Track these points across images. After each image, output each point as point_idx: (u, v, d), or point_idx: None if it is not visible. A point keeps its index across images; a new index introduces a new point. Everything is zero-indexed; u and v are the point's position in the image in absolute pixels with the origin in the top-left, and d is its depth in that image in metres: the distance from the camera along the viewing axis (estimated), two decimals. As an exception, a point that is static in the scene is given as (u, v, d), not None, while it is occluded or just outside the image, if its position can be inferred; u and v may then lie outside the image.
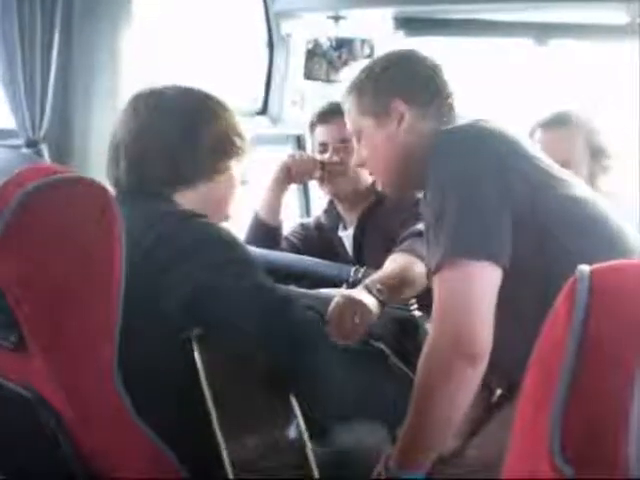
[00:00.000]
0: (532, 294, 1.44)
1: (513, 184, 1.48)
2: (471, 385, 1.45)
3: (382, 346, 1.90)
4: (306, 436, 1.43)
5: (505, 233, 1.45)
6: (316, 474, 1.41)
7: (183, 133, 1.56)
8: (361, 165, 1.79)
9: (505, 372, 1.55)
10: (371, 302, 1.89)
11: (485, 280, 1.44)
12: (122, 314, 1.31)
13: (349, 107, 1.74)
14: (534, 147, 1.61)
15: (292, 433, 1.43)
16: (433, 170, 1.53)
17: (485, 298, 1.43)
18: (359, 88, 1.71)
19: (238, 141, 1.63)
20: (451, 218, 1.45)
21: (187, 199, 1.57)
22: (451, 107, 1.69)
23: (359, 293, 1.91)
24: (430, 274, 1.52)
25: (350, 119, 1.74)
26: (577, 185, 1.58)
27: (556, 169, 1.59)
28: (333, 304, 1.84)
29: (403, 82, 1.68)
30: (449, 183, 1.49)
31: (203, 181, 1.58)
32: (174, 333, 1.38)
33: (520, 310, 1.45)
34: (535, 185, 1.50)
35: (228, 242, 1.47)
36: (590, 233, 1.51)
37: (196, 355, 1.35)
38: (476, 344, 1.41)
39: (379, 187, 1.80)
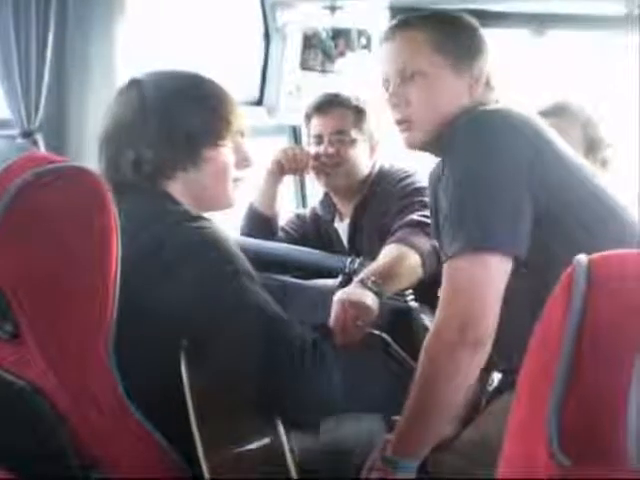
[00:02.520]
0: (535, 283, 1.45)
1: (538, 174, 1.48)
2: (473, 370, 1.47)
3: (383, 335, 1.90)
4: (289, 455, 1.41)
5: (524, 223, 1.46)
6: None
7: (159, 121, 1.52)
8: (396, 105, 1.65)
9: (504, 357, 1.56)
10: (370, 299, 1.89)
11: (496, 270, 1.45)
12: (122, 309, 1.30)
13: (419, 43, 1.62)
14: (553, 133, 1.60)
15: (275, 445, 1.41)
16: (457, 151, 1.51)
17: (495, 287, 1.45)
18: (444, 31, 1.63)
19: (223, 126, 1.56)
20: (471, 206, 1.46)
21: (179, 189, 1.54)
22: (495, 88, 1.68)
23: (357, 291, 1.90)
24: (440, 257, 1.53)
25: (418, 55, 1.62)
26: (595, 175, 1.59)
27: (576, 157, 1.59)
28: (334, 309, 1.84)
29: (484, 47, 1.66)
30: (472, 169, 1.48)
31: (190, 168, 1.54)
32: (163, 338, 1.36)
33: (521, 297, 1.46)
34: (559, 176, 1.51)
35: (222, 250, 1.42)
36: (603, 231, 1.51)
37: (183, 367, 1.34)
38: (481, 330, 1.43)
39: (406, 136, 1.67)
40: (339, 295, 1.88)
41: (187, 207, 1.51)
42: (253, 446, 1.40)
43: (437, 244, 1.89)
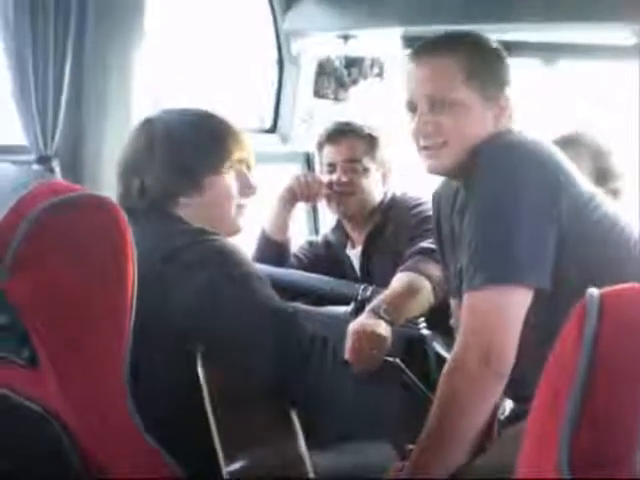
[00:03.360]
0: (550, 313, 1.45)
1: (562, 206, 1.49)
2: (492, 400, 1.48)
3: (398, 361, 1.91)
4: (306, 453, 1.43)
5: (549, 255, 1.47)
6: None
7: (163, 152, 1.60)
8: (425, 132, 1.63)
9: (517, 385, 1.56)
10: (384, 328, 1.90)
11: (520, 303, 1.46)
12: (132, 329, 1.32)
13: (450, 70, 1.62)
14: (572, 166, 1.60)
15: (293, 450, 1.43)
16: (484, 181, 1.52)
17: (518, 319, 1.46)
18: (471, 59, 1.62)
19: (224, 155, 1.63)
20: (498, 238, 1.47)
21: (185, 213, 1.59)
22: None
23: (371, 322, 1.92)
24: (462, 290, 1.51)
25: (449, 82, 1.61)
26: (611, 209, 1.59)
27: (593, 190, 1.59)
28: (349, 340, 1.85)
29: (509, 78, 1.67)
30: (499, 200, 1.49)
31: (194, 194, 1.60)
32: (179, 347, 1.39)
33: (536, 327, 1.47)
34: (580, 209, 1.52)
35: (235, 258, 1.48)
36: (620, 263, 1.52)
37: (199, 370, 1.36)
38: (503, 362, 1.44)
39: (431, 162, 1.66)
40: (353, 326, 1.89)
41: (196, 226, 1.56)
42: (269, 452, 1.41)
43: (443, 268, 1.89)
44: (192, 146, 1.62)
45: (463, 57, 1.63)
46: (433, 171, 1.69)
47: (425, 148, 1.66)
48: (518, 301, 1.46)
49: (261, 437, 1.43)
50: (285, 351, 1.44)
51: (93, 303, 1.27)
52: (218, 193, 1.63)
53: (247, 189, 1.67)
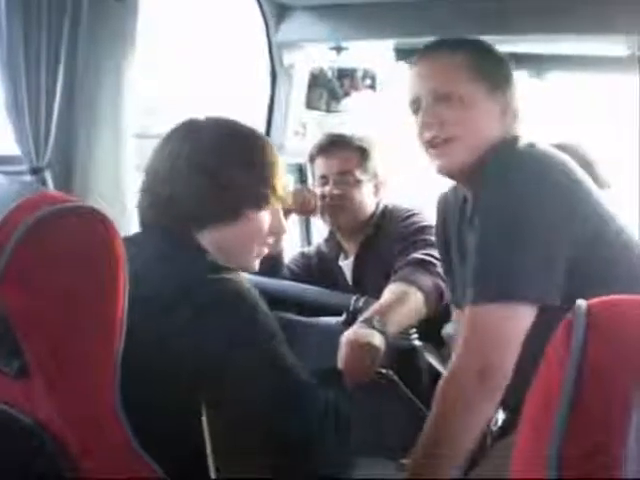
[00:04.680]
0: (546, 328, 1.45)
1: (577, 222, 1.46)
2: (488, 415, 1.47)
3: (390, 373, 1.91)
4: None
5: (558, 271, 1.43)
6: None
7: (215, 173, 1.51)
8: (431, 126, 1.60)
9: (510, 397, 1.56)
10: (377, 339, 1.90)
11: (523, 320, 1.44)
12: (134, 352, 1.30)
13: (455, 65, 1.60)
14: (588, 179, 1.57)
15: None
16: (495, 187, 1.48)
17: (517, 336, 1.44)
18: (477, 56, 1.62)
19: (269, 191, 1.56)
20: (504, 253, 1.43)
21: (209, 239, 1.53)
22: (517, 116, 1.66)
23: (364, 332, 1.91)
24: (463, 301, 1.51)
25: (454, 76, 1.60)
26: (618, 214, 1.57)
27: (603, 196, 1.56)
28: (343, 351, 1.85)
29: (513, 79, 1.66)
30: (508, 210, 1.45)
31: (227, 223, 1.53)
32: (183, 391, 1.36)
33: (530, 340, 1.45)
34: (596, 225, 1.49)
35: (252, 307, 1.40)
36: (634, 279, 1.49)
37: (203, 419, 1.35)
38: (501, 377, 1.43)
39: (439, 162, 1.62)
40: (346, 337, 1.89)
41: (214, 257, 1.50)
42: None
43: (445, 277, 1.88)
44: (243, 176, 1.52)
45: (468, 54, 1.62)
46: (442, 170, 1.64)
47: (431, 145, 1.62)
48: (519, 318, 1.44)
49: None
50: (295, 416, 1.40)
51: (84, 314, 1.27)
52: (252, 228, 1.55)
53: (277, 228, 1.61)
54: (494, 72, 1.63)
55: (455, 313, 1.83)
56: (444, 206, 1.82)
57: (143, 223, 1.58)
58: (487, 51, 1.67)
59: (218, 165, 1.52)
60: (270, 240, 1.61)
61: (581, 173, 1.55)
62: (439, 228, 1.86)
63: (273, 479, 1.42)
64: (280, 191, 1.58)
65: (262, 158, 1.56)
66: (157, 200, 1.54)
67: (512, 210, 1.45)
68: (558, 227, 1.44)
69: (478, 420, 1.45)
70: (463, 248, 1.65)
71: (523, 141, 1.59)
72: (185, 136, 1.56)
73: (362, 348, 1.84)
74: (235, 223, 1.53)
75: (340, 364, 1.82)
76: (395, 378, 1.94)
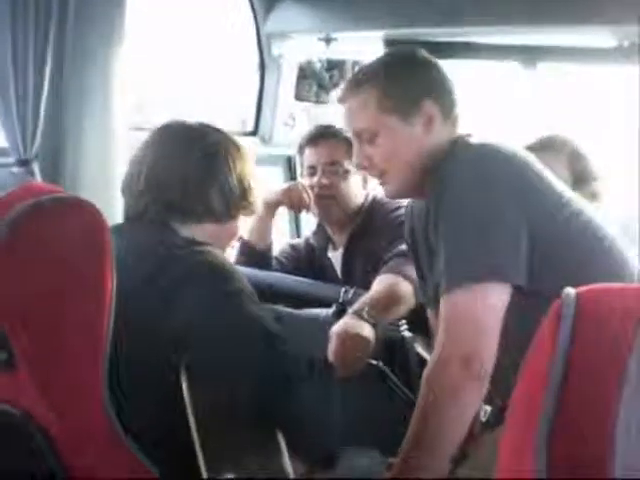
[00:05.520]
0: (525, 315, 1.45)
1: (530, 205, 1.49)
2: (477, 404, 1.46)
3: (380, 364, 1.92)
4: (290, 468, 1.43)
5: (522, 252, 1.46)
6: None
7: (205, 174, 1.58)
8: (363, 166, 1.68)
9: (495, 389, 1.56)
10: (367, 330, 1.90)
11: (498, 300, 1.45)
12: (119, 337, 1.32)
13: (362, 103, 1.64)
14: (541, 166, 1.60)
15: (277, 465, 1.43)
16: (450, 186, 1.51)
17: (496, 319, 1.44)
18: (381, 84, 1.63)
19: (251, 197, 1.64)
20: (470, 237, 1.46)
21: (191, 233, 1.57)
22: (459, 116, 1.68)
23: (353, 323, 1.92)
24: (436, 292, 1.51)
25: (362, 115, 1.64)
26: (583, 208, 1.59)
27: (566, 191, 1.59)
28: (333, 342, 1.85)
29: (433, 83, 1.66)
30: (466, 202, 1.48)
31: (212, 221, 1.59)
32: (165, 360, 1.38)
33: (512, 329, 1.45)
34: (549, 209, 1.51)
35: (224, 272, 1.47)
36: (594, 263, 1.51)
37: (184, 384, 1.36)
38: (485, 361, 1.42)
39: (383, 186, 1.71)
40: (336, 328, 1.89)
41: (185, 235, 1.56)
42: (253, 466, 1.41)
43: (418, 282, 1.89)
44: (232, 182, 1.60)
45: (373, 86, 1.64)
46: (389, 196, 1.77)
47: (373, 177, 1.73)
48: (497, 298, 1.44)
49: (244, 452, 1.43)
50: (269, 372, 1.43)
51: (71, 306, 1.27)
52: (231, 230, 1.65)
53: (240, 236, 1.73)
54: (404, 95, 1.63)
55: (429, 314, 1.83)
56: (411, 215, 1.84)
57: (126, 216, 1.63)
58: (395, 70, 1.68)
59: (209, 167, 1.58)
60: (227, 246, 1.69)
61: (532, 161, 1.58)
62: (408, 236, 1.87)
63: (258, 436, 1.44)
64: (257, 202, 1.66)
65: (249, 169, 1.64)
66: (143, 197, 1.58)
67: (469, 204, 1.48)
68: (515, 213, 1.47)
69: (468, 409, 1.45)
70: (431, 253, 1.66)
71: (466, 140, 1.62)
72: (174, 136, 1.63)
73: (352, 339, 1.84)
74: (218, 222, 1.60)
75: (330, 356, 1.82)
76: (385, 369, 1.93)
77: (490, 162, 1.52)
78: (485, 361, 1.42)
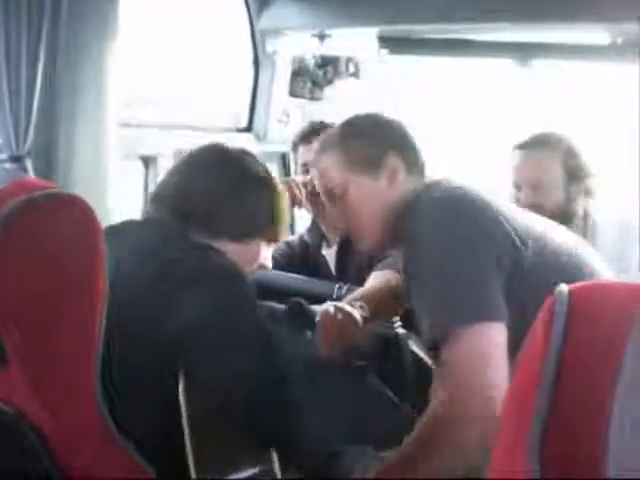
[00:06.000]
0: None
1: (502, 247, 1.50)
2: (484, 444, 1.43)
3: (362, 363, 1.92)
4: (279, 472, 1.43)
5: (500, 294, 1.47)
6: None
7: (233, 194, 1.59)
8: (334, 223, 1.76)
9: None
10: (357, 314, 1.91)
11: (497, 340, 1.43)
12: (117, 335, 1.32)
13: (329, 164, 1.71)
14: (508, 205, 1.64)
15: (267, 468, 1.43)
16: (422, 234, 1.53)
17: (499, 358, 1.42)
18: (345, 144, 1.70)
19: (276, 227, 1.65)
20: (451, 282, 1.46)
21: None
22: (425, 166, 1.72)
23: (345, 306, 1.93)
24: (436, 338, 1.49)
25: (330, 175, 1.71)
26: (557, 234, 1.61)
27: (535, 223, 1.60)
28: (322, 317, 1.86)
29: (395, 139, 1.70)
30: (443, 248, 1.49)
31: (229, 239, 1.58)
32: (162, 362, 1.38)
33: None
34: (519, 248, 1.51)
35: (226, 275, 1.46)
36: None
37: (180, 386, 1.36)
38: (495, 407, 1.36)
39: (357, 242, 1.77)
40: (326, 306, 1.90)
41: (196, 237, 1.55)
42: (246, 474, 1.40)
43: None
44: (260, 203, 1.62)
45: (338, 146, 1.70)
46: (365, 250, 1.84)
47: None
48: (501, 336, 1.43)
49: (236, 455, 1.42)
50: (266, 378, 1.43)
51: (63, 302, 1.26)
52: (250, 253, 1.63)
53: (263, 264, 1.69)
54: (371, 147, 1.68)
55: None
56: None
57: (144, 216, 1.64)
58: (356, 131, 1.73)
59: (235, 188, 1.60)
60: (252, 271, 1.67)
61: (493, 198, 1.60)
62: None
63: (249, 440, 1.43)
64: (281, 229, 1.68)
65: (280, 204, 1.66)
66: (170, 199, 1.59)
67: (446, 245, 1.49)
68: (491, 250, 1.49)
69: (474, 451, 1.40)
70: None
71: (433, 187, 1.64)
72: (206, 158, 1.65)
73: (341, 312, 1.86)
74: (239, 243, 1.60)
75: (317, 333, 1.84)
76: (364, 366, 1.95)
77: (458, 210, 1.54)
78: (496, 403, 1.36)
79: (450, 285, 1.47)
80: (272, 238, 1.68)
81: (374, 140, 1.70)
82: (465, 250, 1.48)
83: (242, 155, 1.66)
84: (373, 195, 1.67)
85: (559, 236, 1.62)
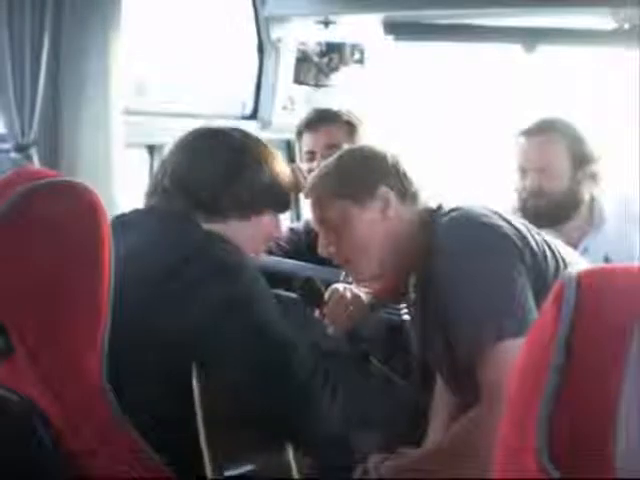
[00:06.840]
0: None
1: (524, 259, 1.54)
2: None
3: (364, 347, 1.95)
4: (294, 463, 1.45)
5: (530, 300, 1.51)
6: None
7: (230, 170, 1.58)
8: (329, 252, 1.74)
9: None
10: (363, 295, 1.95)
11: None
12: (129, 328, 1.33)
13: (323, 196, 1.72)
14: (519, 221, 1.65)
15: (281, 460, 1.45)
16: (453, 261, 1.55)
17: None
18: (338, 177, 1.71)
19: (280, 191, 1.64)
20: (488, 298, 1.50)
21: (215, 230, 1.56)
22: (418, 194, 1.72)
23: (351, 286, 1.99)
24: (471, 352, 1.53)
25: (325, 208, 1.72)
26: (564, 253, 1.63)
27: (547, 241, 1.63)
28: (333, 288, 1.94)
29: (385, 170, 1.71)
30: (478, 267, 1.52)
31: (237, 218, 1.59)
32: (176, 359, 1.39)
33: None
34: (539, 265, 1.56)
35: (240, 274, 1.46)
36: None
37: (194, 383, 1.36)
38: None
39: (352, 274, 1.79)
40: (334, 285, 1.97)
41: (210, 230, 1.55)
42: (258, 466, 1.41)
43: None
44: (263, 177, 1.61)
45: (330, 178, 1.72)
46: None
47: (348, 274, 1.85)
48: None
49: (251, 448, 1.44)
50: (283, 382, 1.44)
51: (69, 290, 1.26)
52: (261, 229, 1.64)
53: (275, 233, 1.69)
54: (362, 179, 1.69)
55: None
56: None
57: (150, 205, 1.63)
58: (349, 165, 1.73)
59: (234, 163, 1.59)
60: (263, 246, 1.69)
61: (504, 215, 1.63)
62: None
63: (269, 444, 1.45)
64: (286, 197, 1.67)
65: (278, 166, 1.65)
66: (171, 187, 1.58)
67: (481, 265, 1.53)
68: (518, 264, 1.53)
69: None
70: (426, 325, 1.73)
71: (441, 211, 1.67)
72: (203, 138, 1.64)
73: (350, 292, 1.93)
74: (244, 219, 1.59)
75: (327, 308, 1.92)
76: (367, 352, 1.97)
77: (481, 227, 1.57)
78: None
79: (494, 299, 1.50)
80: (280, 208, 1.67)
81: (365, 172, 1.71)
82: (501, 268, 1.52)
83: (232, 132, 1.65)
84: (366, 226, 1.68)
85: (569, 255, 1.65)
